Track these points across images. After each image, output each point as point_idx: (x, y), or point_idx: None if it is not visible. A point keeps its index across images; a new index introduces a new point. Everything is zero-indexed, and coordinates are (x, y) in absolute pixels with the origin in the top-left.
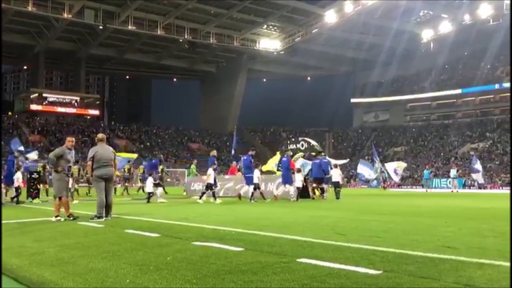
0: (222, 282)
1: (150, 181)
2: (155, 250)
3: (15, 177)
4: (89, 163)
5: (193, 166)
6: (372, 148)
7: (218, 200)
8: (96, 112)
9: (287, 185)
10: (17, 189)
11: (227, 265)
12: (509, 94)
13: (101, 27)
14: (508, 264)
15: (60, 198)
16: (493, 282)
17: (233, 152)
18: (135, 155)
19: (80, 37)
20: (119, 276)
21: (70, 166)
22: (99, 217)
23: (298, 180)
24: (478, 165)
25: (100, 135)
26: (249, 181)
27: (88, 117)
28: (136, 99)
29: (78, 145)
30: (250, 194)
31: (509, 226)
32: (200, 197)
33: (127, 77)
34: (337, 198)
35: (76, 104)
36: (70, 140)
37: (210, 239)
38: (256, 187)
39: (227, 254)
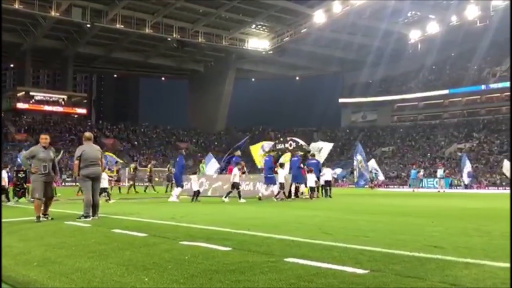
0: (209, 282)
1: (194, 179)
2: (142, 250)
3: None
4: (76, 162)
5: (202, 165)
6: (357, 146)
7: (243, 200)
8: (83, 111)
9: (271, 186)
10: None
11: (214, 265)
12: (495, 94)
13: (88, 26)
14: (492, 263)
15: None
16: (479, 281)
17: (239, 152)
18: (121, 161)
19: (68, 36)
20: (106, 276)
21: (45, 166)
22: (86, 217)
23: (282, 176)
24: (467, 166)
25: (87, 134)
26: (270, 181)
27: (75, 116)
28: (124, 98)
29: (66, 144)
30: (275, 193)
31: (509, 226)
32: (226, 196)
33: (115, 75)
34: (328, 196)
35: (63, 102)
36: (43, 138)
37: (198, 239)
38: (281, 186)
39: (214, 254)
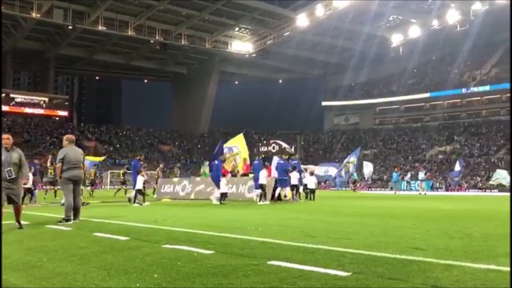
0: (192, 285)
1: (223, 182)
2: (124, 254)
3: None
4: (59, 165)
5: (204, 167)
6: (357, 149)
7: (267, 201)
8: (64, 113)
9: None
10: None
11: (197, 268)
12: (475, 98)
13: (70, 27)
14: (472, 265)
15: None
16: (460, 283)
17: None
18: (101, 158)
19: (49, 37)
20: (87, 280)
21: (9, 170)
22: (67, 220)
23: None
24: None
25: (69, 137)
26: (284, 184)
27: (57, 118)
28: (106, 100)
29: (47, 147)
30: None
31: (509, 226)
32: (260, 199)
33: (97, 78)
34: (311, 199)
35: (44, 105)
36: (4, 138)
37: (180, 242)
38: (296, 188)
39: (197, 257)
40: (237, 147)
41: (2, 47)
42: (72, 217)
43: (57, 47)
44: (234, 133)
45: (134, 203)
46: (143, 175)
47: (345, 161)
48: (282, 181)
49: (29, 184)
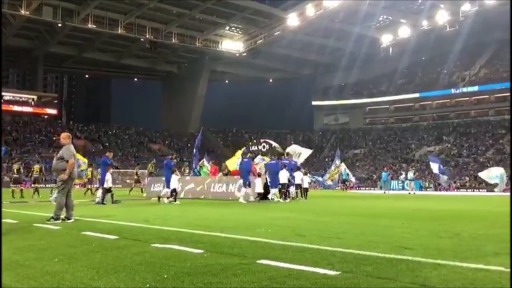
0: (181, 284)
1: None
2: (113, 253)
3: None
4: (72, 161)
5: (205, 166)
6: (337, 151)
7: (288, 199)
8: (53, 111)
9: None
10: None
11: (186, 267)
12: (464, 98)
13: (60, 25)
14: (461, 264)
15: None
16: (448, 282)
17: (194, 151)
18: (85, 159)
19: (38, 35)
20: (76, 279)
21: None
22: (56, 219)
23: (259, 184)
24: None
25: (70, 134)
26: (274, 183)
27: (46, 117)
28: (96, 99)
29: (35, 145)
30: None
31: (509, 226)
32: (285, 198)
33: (87, 76)
34: (304, 198)
35: (33, 103)
36: None
37: (170, 241)
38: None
39: (186, 256)
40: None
41: None
42: (61, 216)
43: (46, 45)
44: (224, 132)
45: (173, 201)
46: (177, 174)
47: (332, 168)
48: (272, 181)
49: None
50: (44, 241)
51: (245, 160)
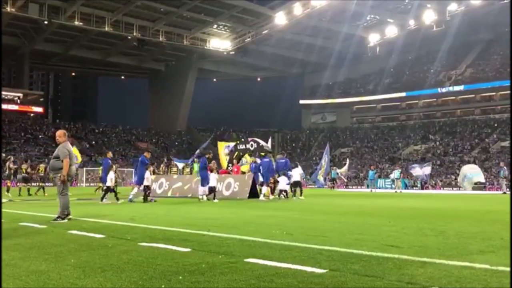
0: (168, 283)
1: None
2: (99, 251)
3: None
4: (68, 160)
5: (195, 165)
6: (327, 148)
7: (302, 197)
8: (39, 109)
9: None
10: None
11: (174, 266)
12: (450, 98)
13: (46, 22)
14: (447, 262)
15: None
16: (434, 280)
17: (197, 152)
18: (80, 157)
19: (24, 32)
20: (62, 278)
21: None
22: (63, 218)
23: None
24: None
25: (65, 132)
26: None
27: (32, 115)
28: (82, 97)
29: (21, 143)
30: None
31: (509, 227)
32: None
33: (73, 74)
34: (298, 196)
35: (18, 101)
36: None
37: (157, 240)
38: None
39: (174, 255)
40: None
41: None
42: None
43: (32, 42)
44: (211, 131)
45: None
46: (150, 172)
47: (322, 163)
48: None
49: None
50: (30, 240)
51: (265, 160)
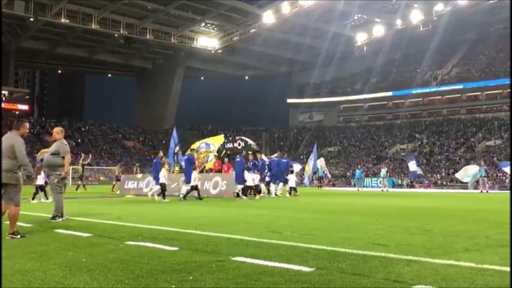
0: (155, 282)
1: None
2: (86, 250)
3: None
4: (69, 157)
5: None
6: (313, 147)
7: (257, 197)
8: (25, 107)
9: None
10: None
11: (160, 265)
12: (437, 97)
13: (32, 19)
14: (432, 260)
15: None
16: (420, 278)
17: (177, 148)
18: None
19: (10, 29)
20: (47, 278)
21: None
22: (62, 216)
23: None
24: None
25: (62, 129)
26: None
27: (17, 113)
28: (69, 95)
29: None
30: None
31: (509, 227)
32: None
33: (59, 71)
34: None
35: (4, 98)
36: None
37: (144, 239)
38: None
39: (161, 254)
40: (214, 145)
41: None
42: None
43: (18, 40)
44: (199, 129)
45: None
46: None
47: (313, 163)
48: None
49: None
50: (14, 238)
51: (238, 159)
